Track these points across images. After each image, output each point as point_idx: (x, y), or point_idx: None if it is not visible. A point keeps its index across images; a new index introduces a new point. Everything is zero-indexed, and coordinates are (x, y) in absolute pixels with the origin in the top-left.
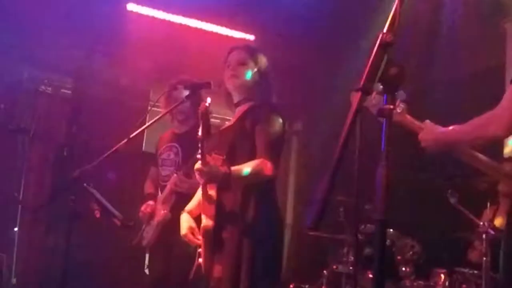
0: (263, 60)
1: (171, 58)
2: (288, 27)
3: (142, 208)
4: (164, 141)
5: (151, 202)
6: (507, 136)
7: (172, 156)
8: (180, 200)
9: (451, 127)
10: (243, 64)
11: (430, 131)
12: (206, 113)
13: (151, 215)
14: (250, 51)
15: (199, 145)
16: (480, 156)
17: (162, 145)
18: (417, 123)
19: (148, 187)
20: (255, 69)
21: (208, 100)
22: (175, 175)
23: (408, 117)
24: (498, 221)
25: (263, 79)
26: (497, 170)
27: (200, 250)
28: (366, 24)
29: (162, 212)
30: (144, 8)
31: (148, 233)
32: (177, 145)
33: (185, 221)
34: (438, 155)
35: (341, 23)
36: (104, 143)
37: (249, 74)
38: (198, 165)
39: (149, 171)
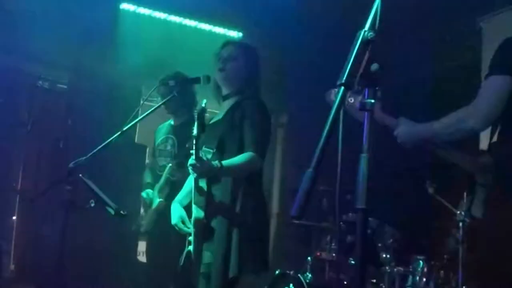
0: (253, 56)
1: (162, 55)
2: (275, 23)
3: (143, 196)
4: (161, 132)
5: (149, 191)
6: (484, 129)
7: (168, 147)
8: (175, 189)
9: (427, 123)
10: (233, 59)
11: (406, 128)
12: (202, 113)
13: (149, 203)
14: (241, 46)
15: (193, 142)
16: (455, 149)
17: (159, 136)
18: (392, 119)
19: (147, 177)
20: (244, 64)
21: (204, 101)
22: (169, 165)
23: (383, 114)
24: (475, 210)
25: (252, 74)
26: (472, 163)
27: (190, 238)
28: (353, 20)
29: (158, 201)
30: (136, 7)
31: (146, 221)
32: (173, 137)
33: (175, 211)
34: (417, 147)
35: (328, 19)
36: (99, 135)
37: (235, 66)
38: (191, 160)
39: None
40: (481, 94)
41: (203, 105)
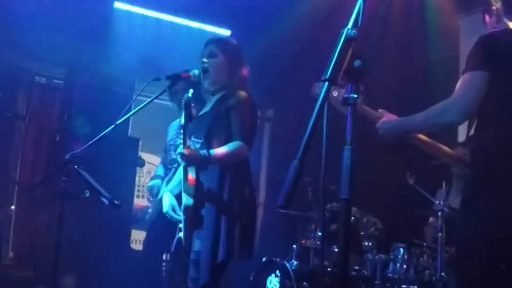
0: (233, 50)
1: (153, 51)
2: (262, 21)
3: (149, 185)
4: (173, 128)
5: (156, 181)
6: (462, 122)
7: (178, 142)
8: None
9: (407, 117)
10: (213, 57)
11: (387, 121)
12: (188, 104)
13: (156, 193)
14: (220, 43)
15: (181, 131)
16: (433, 142)
17: (171, 132)
18: (374, 112)
19: (159, 170)
20: (225, 60)
21: (190, 91)
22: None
23: (365, 107)
24: (452, 200)
25: (234, 67)
26: (450, 155)
27: (180, 225)
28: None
29: (163, 191)
30: (129, 6)
31: (152, 210)
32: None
33: (167, 199)
34: (397, 139)
35: (313, 16)
36: (93, 128)
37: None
38: (180, 149)
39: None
40: (459, 89)
41: (189, 95)
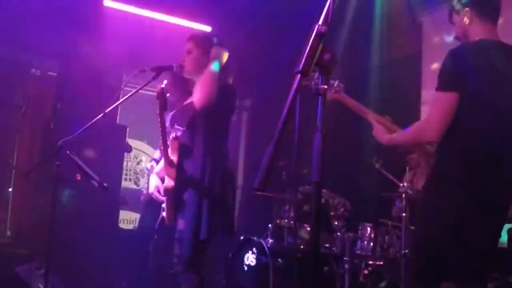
0: (206, 44)
1: (140, 46)
2: (241, 14)
3: (147, 167)
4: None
5: (155, 165)
6: (438, 139)
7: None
8: None
9: (395, 134)
10: (188, 53)
11: (381, 134)
12: (162, 93)
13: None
14: (194, 39)
15: (159, 119)
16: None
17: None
18: (355, 102)
19: (155, 154)
20: (199, 55)
21: (164, 82)
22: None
23: (345, 96)
24: (417, 183)
25: (208, 59)
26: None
27: (163, 205)
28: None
29: None
30: (118, 4)
31: (146, 191)
32: None
33: (153, 181)
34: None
35: (290, 9)
36: (84, 117)
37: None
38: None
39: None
40: (433, 109)
41: (163, 86)
